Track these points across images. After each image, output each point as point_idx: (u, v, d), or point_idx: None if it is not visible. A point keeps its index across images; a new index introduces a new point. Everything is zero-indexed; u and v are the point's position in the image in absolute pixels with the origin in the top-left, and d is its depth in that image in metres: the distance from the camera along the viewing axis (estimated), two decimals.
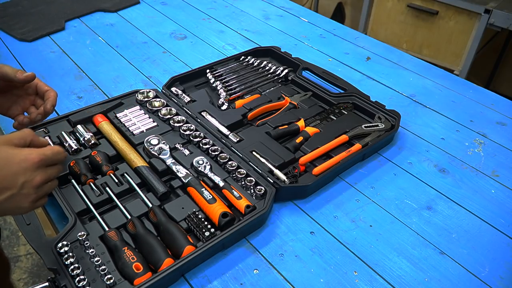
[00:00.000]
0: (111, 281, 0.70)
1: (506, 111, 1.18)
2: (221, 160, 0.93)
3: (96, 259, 0.73)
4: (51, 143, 0.96)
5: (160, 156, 0.94)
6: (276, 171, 0.92)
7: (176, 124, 1.03)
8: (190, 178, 0.89)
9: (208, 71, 1.25)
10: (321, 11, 3.19)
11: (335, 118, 1.09)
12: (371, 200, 0.91)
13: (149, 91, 1.12)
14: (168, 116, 1.06)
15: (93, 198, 0.85)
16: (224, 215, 0.81)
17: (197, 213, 0.82)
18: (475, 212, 0.89)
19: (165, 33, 1.52)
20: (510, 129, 1.12)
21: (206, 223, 0.80)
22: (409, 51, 2.37)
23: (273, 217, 0.87)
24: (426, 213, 0.89)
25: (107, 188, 0.87)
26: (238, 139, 1.01)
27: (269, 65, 1.28)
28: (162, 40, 1.47)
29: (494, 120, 1.15)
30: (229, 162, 0.93)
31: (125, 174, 0.90)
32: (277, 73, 1.26)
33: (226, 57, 1.33)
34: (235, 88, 1.20)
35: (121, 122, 1.04)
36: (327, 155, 0.98)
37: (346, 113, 1.10)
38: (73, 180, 0.88)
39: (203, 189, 0.86)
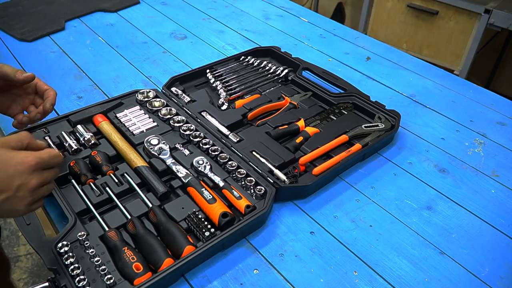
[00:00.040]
0: (111, 281, 0.70)
1: (506, 111, 1.18)
2: (221, 160, 0.93)
3: (96, 259, 0.73)
4: (52, 144, 0.96)
5: (160, 156, 0.94)
6: (276, 171, 0.92)
7: (176, 124, 1.03)
8: (190, 178, 0.89)
9: (208, 71, 1.25)
10: (321, 11, 3.19)
11: (335, 118, 1.09)
12: (371, 200, 0.91)
13: (149, 91, 1.13)
14: (168, 116, 1.06)
15: (93, 198, 0.85)
16: (224, 215, 0.81)
17: (197, 213, 0.82)
18: (475, 212, 0.89)
19: (165, 33, 1.52)
20: (510, 129, 1.12)
21: (206, 223, 0.80)
22: (409, 51, 2.37)
23: (273, 217, 0.87)
24: (426, 213, 0.89)
25: (107, 188, 0.87)
26: (238, 139, 1.01)
27: (269, 65, 1.28)
28: (162, 40, 1.47)
29: (494, 120, 1.15)
30: (229, 162, 0.93)
31: (125, 174, 0.90)
32: (277, 73, 1.26)
33: (226, 57, 1.33)
34: (235, 88, 1.20)
35: (121, 122, 1.04)
36: (327, 155, 0.98)
37: (346, 113, 1.10)
38: (73, 180, 0.88)
39: (203, 189, 0.86)
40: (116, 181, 0.88)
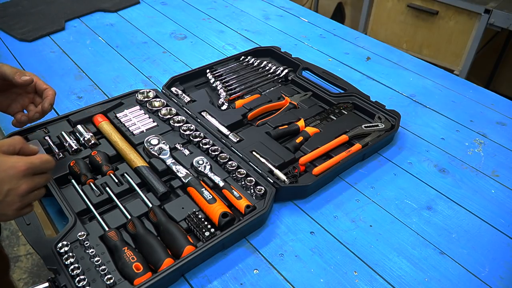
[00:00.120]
0: (111, 281, 0.70)
1: (506, 111, 1.18)
2: (221, 160, 0.93)
3: (96, 259, 0.73)
4: (52, 144, 0.96)
5: (160, 156, 0.94)
6: (276, 171, 0.92)
7: (176, 124, 1.03)
8: (190, 178, 0.89)
9: (208, 71, 1.25)
10: (321, 11, 3.19)
11: (335, 118, 1.09)
12: (371, 200, 0.91)
13: (149, 91, 1.12)
14: (168, 116, 1.06)
15: (93, 198, 0.85)
16: (224, 215, 0.81)
17: (197, 213, 0.82)
18: (475, 212, 0.89)
19: (165, 33, 1.52)
20: (510, 129, 1.12)
21: (206, 223, 0.80)
22: (409, 51, 2.37)
23: (273, 217, 0.87)
24: (426, 213, 0.89)
25: (107, 188, 0.87)
26: (238, 139, 1.01)
27: (269, 65, 1.28)
28: (162, 40, 1.47)
29: (494, 120, 1.15)
30: (229, 162, 0.93)
31: (125, 174, 0.90)
32: (277, 73, 1.26)
33: (226, 57, 1.33)
34: (235, 88, 1.20)
35: (121, 122, 1.04)
36: (327, 155, 0.98)
37: (346, 113, 1.10)
38: (73, 180, 0.88)
39: (203, 189, 0.86)
40: (116, 181, 0.88)
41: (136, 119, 1.05)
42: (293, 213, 0.88)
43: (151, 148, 0.95)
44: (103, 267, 0.72)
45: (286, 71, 1.25)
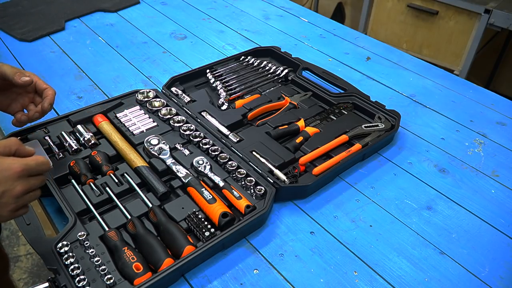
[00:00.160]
0: (111, 281, 0.70)
1: (506, 111, 1.18)
2: (221, 160, 0.93)
3: (96, 259, 0.73)
4: (52, 144, 0.96)
5: (160, 156, 0.94)
6: (276, 171, 0.92)
7: (176, 124, 1.03)
8: (190, 178, 0.88)
9: (208, 71, 1.25)
10: (321, 11, 3.19)
11: (335, 118, 1.09)
12: (371, 200, 0.91)
13: (149, 91, 1.12)
14: (168, 116, 1.06)
15: (93, 198, 0.85)
16: (224, 215, 0.81)
17: (197, 213, 0.82)
18: (475, 212, 0.89)
19: (165, 33, 1.52)
20: (510, 129, 1.12)
21: (206, 223, 0.80)
22: (409, 51, 2.37)
23: (273, 217, 0.87)
24: (426, 213, 0.89)
25: (107, 188, 0.87)
26: (238, 139, 1.01)
27: (269, 65, 1.28)
28: (162, 40, 1.47)
29: (494, 120, 1.15)
30: (229, 162, 0.93)
31: (125, 174, 0.90)
32: (277, 73, 1.26)
33: (226, 57, 1.33)
34: (235, 88, 1.20)
35: (121, 122, 1.04)
36: (327, 155, 0.98)
37: (346, 113, 1.10)
38: (73, 180, 0.88)
39: (203, 189, 0.86)
40: (116, 181, 0.88)
41: (136, 119, 1.05)
42: (293, 213, 0.88)
43: (151, 148, 0.95)
44: (103, 267, 0.72)
45: (286, 71, 1.25)
